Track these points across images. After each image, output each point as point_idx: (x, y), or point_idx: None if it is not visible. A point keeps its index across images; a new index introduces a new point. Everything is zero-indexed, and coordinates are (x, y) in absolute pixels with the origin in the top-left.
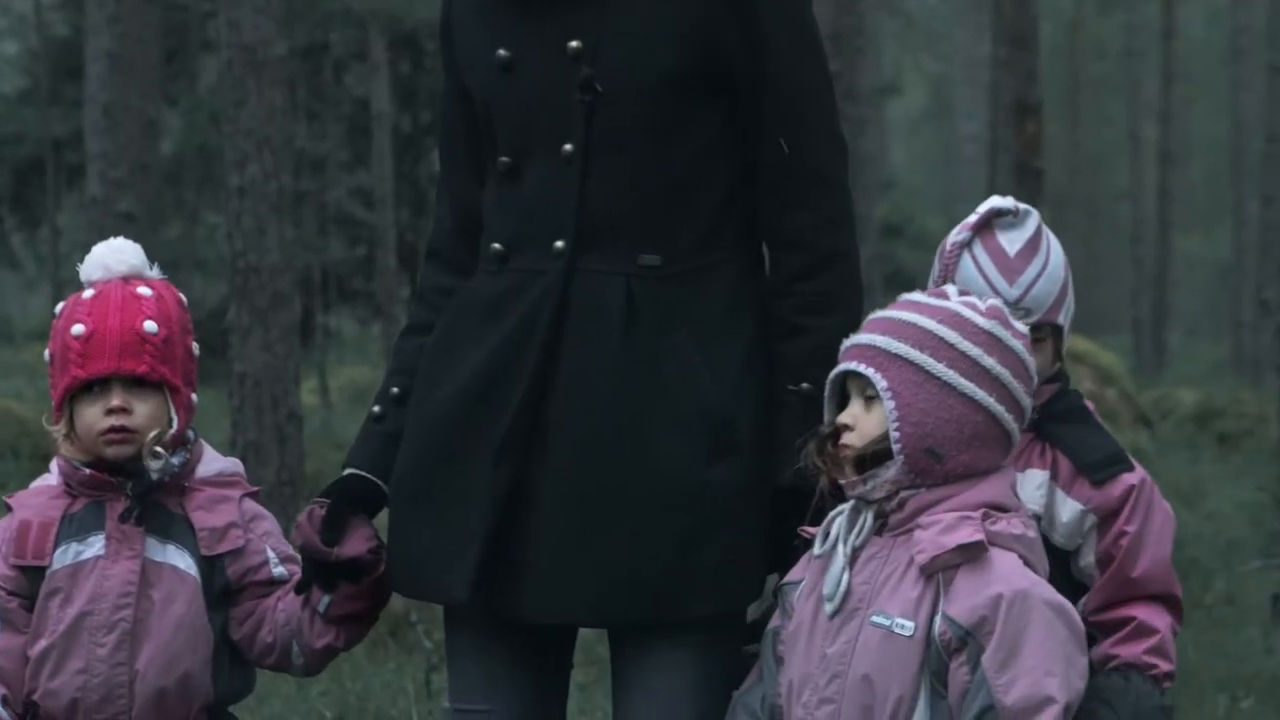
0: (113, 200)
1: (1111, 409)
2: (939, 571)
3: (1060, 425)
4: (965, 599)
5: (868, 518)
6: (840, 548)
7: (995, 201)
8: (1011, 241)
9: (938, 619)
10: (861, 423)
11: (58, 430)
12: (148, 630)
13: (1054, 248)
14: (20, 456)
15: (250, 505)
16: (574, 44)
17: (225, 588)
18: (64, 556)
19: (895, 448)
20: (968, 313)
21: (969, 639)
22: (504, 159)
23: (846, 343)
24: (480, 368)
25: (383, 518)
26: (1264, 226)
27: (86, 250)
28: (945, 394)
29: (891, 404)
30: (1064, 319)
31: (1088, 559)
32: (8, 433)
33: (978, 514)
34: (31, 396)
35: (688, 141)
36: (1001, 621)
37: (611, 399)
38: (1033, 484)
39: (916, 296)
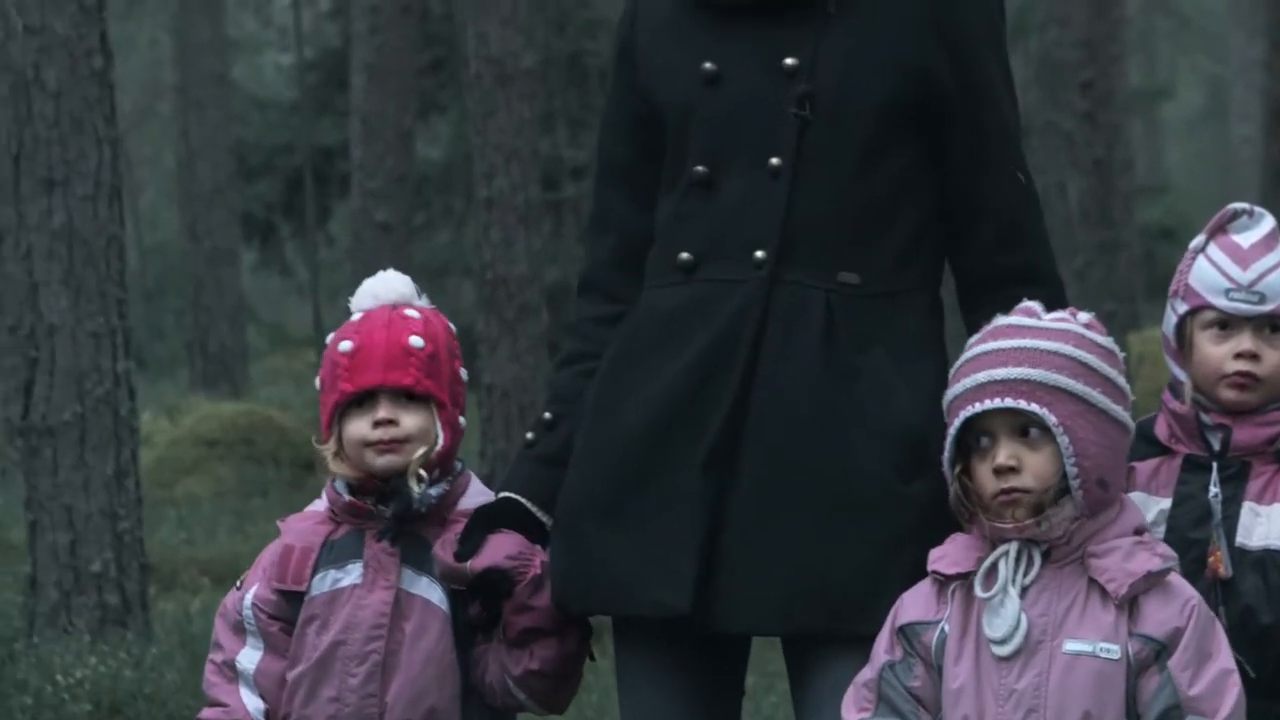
0: (370, 211)
1: None
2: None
3: None
4: (1156, 615)
5: (1035, 556)
6: (1011, 589)
7: (1231, 206)
8: (1246, 238)
9: (1130, 640)
10: (1031, 463)
11: (327, 448)
12: (398, 663)
13: None
14: (281, 465)
15: None
16: (789, 61)
17: (467, 623)
18: (322, 583)
19: (1074, 485)
20: (1087, 332)
21: (1162, 651)
22: (700, 169)
23: (976, 379)
24: (679, 379)
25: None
26: None
27: (348, 258)
28: (1102, 421)
29: (1066, 440)
30: None
31: None
32: (269, 441)
33: (1144, 539)
34: (296, 405)
35: (891, 166)
36: (1190, 629)
37: (809, 410)
38: None
39: (1020, 320)
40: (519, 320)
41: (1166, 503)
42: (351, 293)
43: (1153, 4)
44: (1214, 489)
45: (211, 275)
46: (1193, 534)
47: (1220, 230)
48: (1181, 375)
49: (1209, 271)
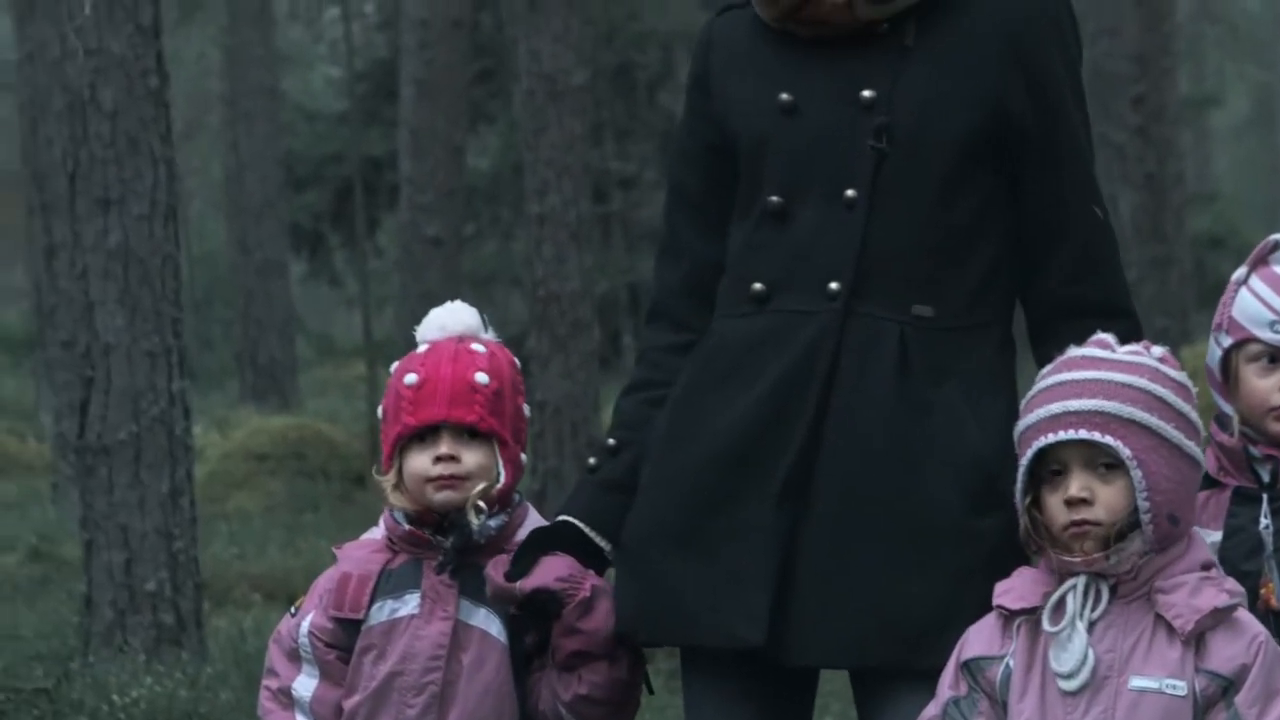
0: (420, 225)
1: None
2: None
3: None
4: (1224, 651)
5: (1103, 591)
6: (1078, 623)
7: (1272, 237)
8: None
9: (1197, 677)
10: (1104, 496)
11: (387, 480)
12: (455, 694)
13: None
14: (331, 479)
15: None
16: (867, 93)
17: (523, 653)
18: (380, 613)
19: (1145, 519)
20: (1161, 366)
21: (1229, 688)
22: (774, 199)
23: (1050, 409)
24: (752, 410)
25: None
26: None
27: (397, 269)
28: (1175, 456)
29: (1139, 473)
30: None
31: None
32: (319, 455)
33: (1211, 574)
34: (345, 417)
35: (967, 199)
36: (1257, 666)
37: (882, 443)
38: None
39: (1094, 352)
40: (571, 337)
41: (1217, 535)
42: (401, 304)
43: (1200, 11)
44: (1264, 520)
45: (261, 287)
46: (1244, 566)
47: (1262, 262)
48: (1228, 408)
49: (1252, 304)
